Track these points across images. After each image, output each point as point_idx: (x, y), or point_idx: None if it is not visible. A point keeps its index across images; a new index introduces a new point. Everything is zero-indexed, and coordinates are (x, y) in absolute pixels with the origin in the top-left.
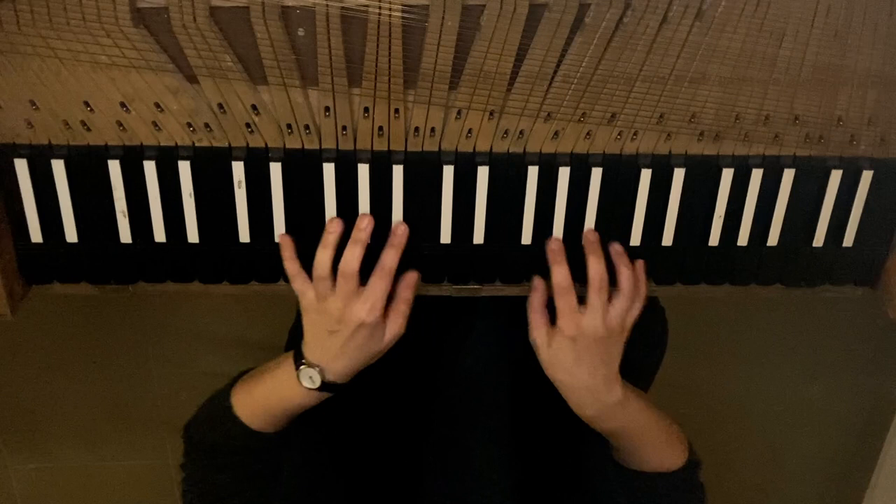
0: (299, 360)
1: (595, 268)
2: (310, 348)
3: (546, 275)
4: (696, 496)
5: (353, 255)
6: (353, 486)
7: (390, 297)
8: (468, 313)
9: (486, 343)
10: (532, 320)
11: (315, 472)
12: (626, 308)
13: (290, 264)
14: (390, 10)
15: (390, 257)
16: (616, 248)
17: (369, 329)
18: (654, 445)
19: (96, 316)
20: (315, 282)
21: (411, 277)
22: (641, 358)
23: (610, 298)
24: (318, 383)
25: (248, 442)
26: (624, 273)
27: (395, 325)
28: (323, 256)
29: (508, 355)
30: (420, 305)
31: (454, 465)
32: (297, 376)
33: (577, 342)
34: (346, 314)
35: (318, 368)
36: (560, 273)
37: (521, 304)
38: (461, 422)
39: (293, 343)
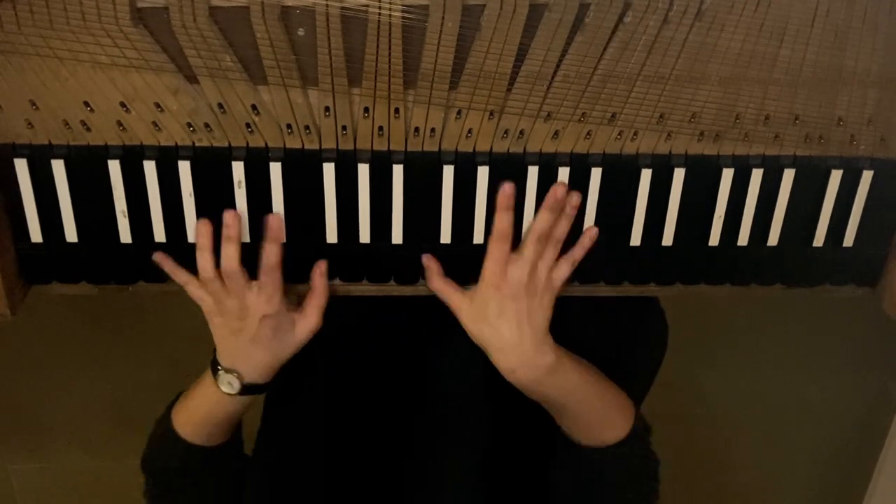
0: (215, 367)
1: (543, 219)
2: (221, 354)
3: None
4: (646, 465)
5: (228, 254)
6: (330, 498)
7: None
8: (450, 323)
9: (467, 351)
10: (442, 291)
11: (285, 485)
12: (552, 260)
13: (180, 274)
14: (390, 10)
15: (271, 253)
16: (556, 195)
17: (273, 320)
18: (595, 414)
19: (96, 316)
20: (205, 286)
21: (322, 266)
22: (641, 358)
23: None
24: (237, 388)
25: (195, 459)
26: (561, 224)
27: (311, 318)
28: (202, 260)
29: (489, 363)
30: (400, 313)
31: (433, 477)
32: (217, 384)
33: (500, 290)
34: (244, 310)
35: (234, 373)
36: (505, 219)
37: None
38: (442, 433)
39: None
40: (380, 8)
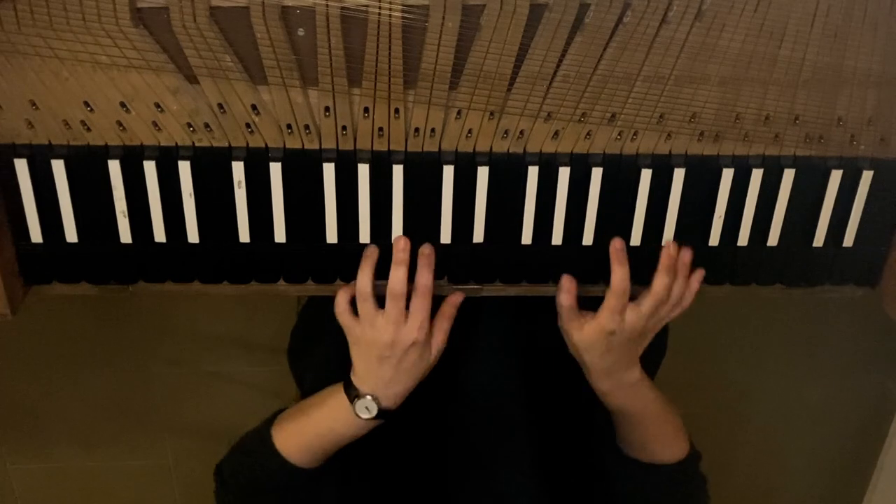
0: (351, 392)
1: (661, 284)
2: (362, 379)
3: (549, 273)
4: (699, 488)
5: (398, 277)
6: None
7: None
8: (471, 322)
9: (490, 350)
10: (565, 316)
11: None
12: (667, 316)
13: (342, 298)
14: (390, 10)
15: (425, 277)
16: (684, 260)
17: (419, 348)
18: (660, 432)
19: (96, 316)
20: (360, 304)
21: (456, 298)
22: (641, 358)
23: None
24: (375, 412)
25: (289, 478)
26: (679, 284)
27: (438, 341)
28: (364, 278)
29: (514, 359)
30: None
31: (477, 476)
32: (354, 409)
33: (614, 336)
34: (397, 338)
35: (373, 398)
36: (620, 274)
37: (523, 308)
38: (478, 432)
39: (297, 346)
40: (380, 8)
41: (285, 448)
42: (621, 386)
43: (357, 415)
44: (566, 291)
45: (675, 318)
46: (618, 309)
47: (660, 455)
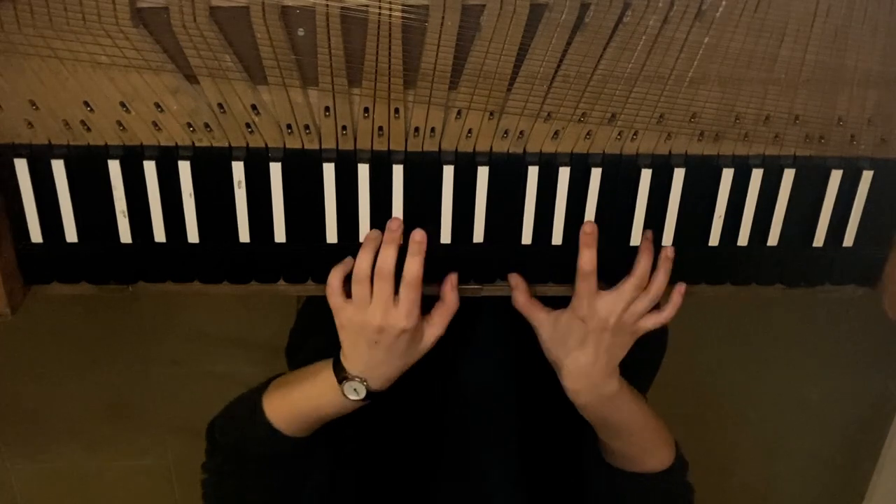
0: (341, 373)
1: (643, 265)
2: (351, 362)
3: (549, 273)
4: (684, 497)
5: (388, 256)
6: (366, 499)
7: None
8: (469, 322)
9: (488, 351)
10: (526, 309)
11: (336, 490)
12: (644, 310)
13: (335, 278)
14: (390, 10)
15: (413, 266)
16: (666, 254)
17: (409, 334)
18: (643, 442)
19: (96, 316)
20: (355, 285)
21: (454, 279)
22: (641, 358)
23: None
24: (363, 394)
25: (277, 447)
26: (659, 278)
27: (438, 327)
28: (363, 261)
29: (512, 362)
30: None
31: (465, 476)
32: (342, 390)
33: (586, 323)
34: (385, 323)
35: (361, 380)
36: (587, 256)
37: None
38: (470, 433)
39: (295, 344)
40: (380, 8)
41: (275, 417)
42: (599, 397)
43: (345, 395)
44: (516, 289)
45: (651, 327)
46: (586, 292)
47: (644, 464)
